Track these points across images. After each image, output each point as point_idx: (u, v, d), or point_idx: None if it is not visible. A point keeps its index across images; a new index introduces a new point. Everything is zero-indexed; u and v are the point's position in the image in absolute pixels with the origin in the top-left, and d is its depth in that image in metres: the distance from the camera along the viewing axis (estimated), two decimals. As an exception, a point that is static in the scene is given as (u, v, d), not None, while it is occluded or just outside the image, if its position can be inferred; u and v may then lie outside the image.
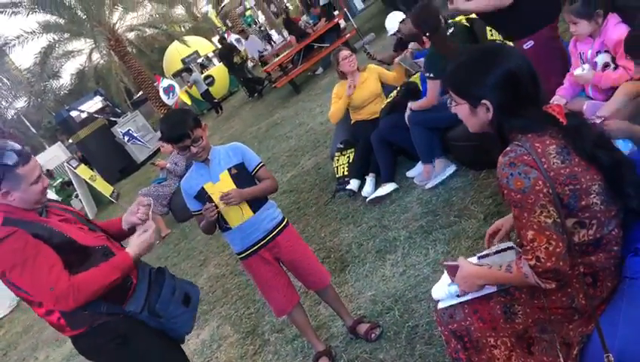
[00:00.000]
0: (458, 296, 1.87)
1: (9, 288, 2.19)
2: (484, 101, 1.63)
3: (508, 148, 1.58)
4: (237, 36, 19.68)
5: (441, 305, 1.91)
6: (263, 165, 2.87)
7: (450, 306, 1.87)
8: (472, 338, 1.84)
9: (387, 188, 4.47)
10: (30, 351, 6.50)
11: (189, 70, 18.69)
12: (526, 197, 1.52)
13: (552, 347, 1.67)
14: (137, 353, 2.33)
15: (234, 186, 2.73)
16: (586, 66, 2.93)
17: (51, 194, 13.51)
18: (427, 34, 3.94)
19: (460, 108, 1.72)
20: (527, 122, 1.60)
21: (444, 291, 1.90)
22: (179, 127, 2.64)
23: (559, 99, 3.11)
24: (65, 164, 14.55)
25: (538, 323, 1.70)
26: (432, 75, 3.98)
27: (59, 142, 21.15)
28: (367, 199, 4.52)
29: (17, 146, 2.25)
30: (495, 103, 1.62)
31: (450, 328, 1.88)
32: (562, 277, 1.54)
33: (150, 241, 2.35)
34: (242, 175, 2.78)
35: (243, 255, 2.87)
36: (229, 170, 2.76)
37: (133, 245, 2.33)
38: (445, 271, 1.94)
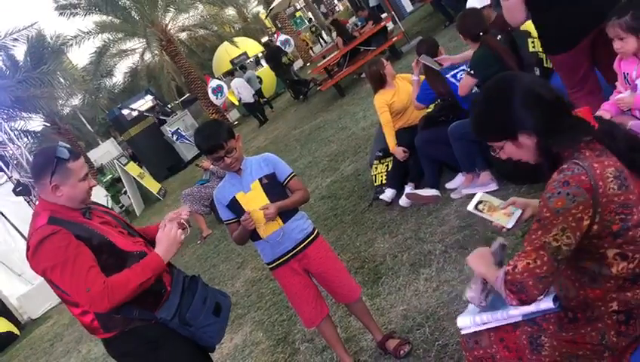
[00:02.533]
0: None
1: (49, 285, 2.26)
2: (522, 131, 1.58)
3: (565, 166, 1.51)
4: (286, 37, 19.86)
5: (464, 331, 1.85)
6: (294, 176, 2.86)
7: (475, 332, 1.81)
8: (497, 366, 1.78)
9: (429, 191, 4.42)
10: (74, 344, 6.73)
11: (243, 68, 18.87)
12: (555, 218, 1.46)
13: (580, 384, 1.59)
14: (167, 359, 2.37)
15: (264, 195, 2.74)
16: (628, 92, 2.80)
17: (101, 190, 13.97)
18: (479, 33, 3.91)
19: (506, 149, 1.66)
20: (570, 132, 1.54)
21: (469, 320, 1.84)
22: (213, 139, 2.67)
23: (604, 113, 2.98)
24: (115, 161, 15.01)
25: (565, 358, 1.63)
26: (472, 73, 3.94)
27: (111, 138, 21.82)
28: (405, 192, 4.49)
29: (67, 145, 2.35)
30: (532, 126, 1.56)
31: (474, 354, 1.83)
32: (527, 298, 1.51)
33: (176, 240, 2.37)
34: (273, 185, 2.79)
35: (273, 265, 2.87)
36: (260, 180, 2.77)
37: (160, 245, 2.36)
38: (470, 298, 1.86)
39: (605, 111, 2.97)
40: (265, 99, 17.20)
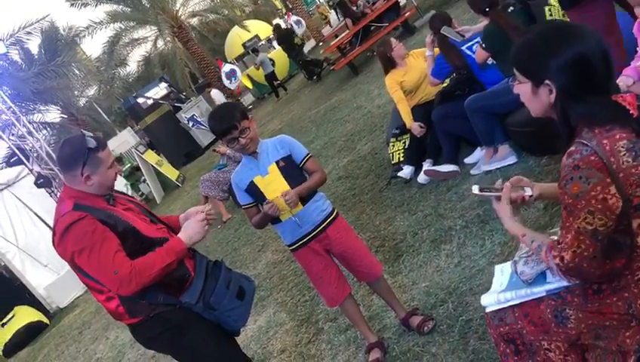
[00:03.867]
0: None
1: (75, 272, 2.30)
2: (547, 82, 1.53)
3: (572, 148, 1.48)
4: (297, 17, 19.70)
5: (489, 309, 1.84)
6: (310, 157, 2.85)
7: (499, 309, 1.80)
8: (524, 340, 1.77)
9: (448, 167, 4.39)
10: (102, 331, 6.86)
11: (255, 51, 18.81)
12: (577, 202, 1.45)
13: (607, 354, 1.58)
14: (193, 343, 2.40)
15: (282, 178, 2.74)
16: None
17: (120, 179, 14.12)
18: (487, 9, 3.85)
19: (522, 88, 1.62)
20: (592, 109, 1.49)
21: (493, 298, 1.83)
22: (225, 120, 2.67)
23: (626, 79, 2.91)
24: (133, 149, 15.12)
25: (592, 329, 1.61)
26: (484, 46, 3.92)
27: (128, 128, 21.96)
28: (424, 169, 4.48)
29: (91, 134, 2.41)
30: (559, 86, 1.51)
31: (500, 331, 1.82)
32: (587, 277, 1.52)
33: (202, 228, 2.41)
34: (290, 167, 2.78)
35: (293, 247, 2.88)
36: (277, 162, 2.77)
37: (185, 231, 2.41)
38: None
39: (627, 76, 2.91)
40: (278, 82, 17.14)
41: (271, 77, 16.75)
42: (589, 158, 1.44)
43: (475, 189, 1.91)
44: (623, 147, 1.43)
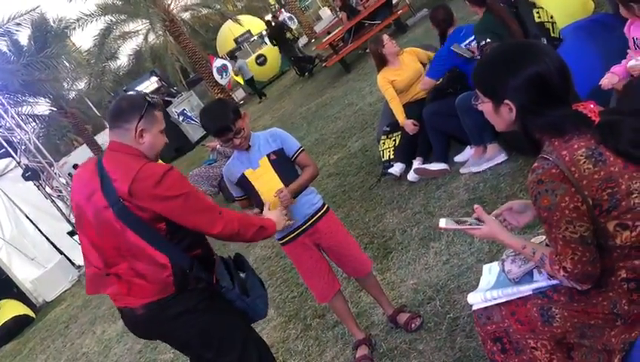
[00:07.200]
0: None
1: (125, 244, 2.16)
2: (506, 101, 1.57)
3: (535, 164, 1.52)
4: (289, 14, 19.65)
5: (475, 307, 1.85)
6: (302, 150, 2.84)
7: (486, 308, 1.81)
8: (511, 339, 1.78)
9: (437, 165, 4.39)
10: (89, 325, 6.81)
11: (234, 57, 18.81)
12: (552, 214, 1.48)
13: (592, 353, 1.59)
14: (224, 321, 2.34)
15: (273, 172, 2.73)
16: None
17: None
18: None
19: (485, 107, 1.67)
20: (552, 120, 1.52)
21: (480, 296, 1.83)
22: (220, 121, 2.65)
23: (611, 76, 2.92)
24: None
25: (577, 328, 1.63)
26: (477, 39, 3.87)
27: (118, 122, 21.76)
28: (414, 167, 4.48)
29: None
30: (518, 105, 1.56)
31: (487, 329, 1.82)
32: (595, 279, 1.53)
33: (285, 219, 2.56)
34: (281, 160, 2.77)
35: (284, 241, 2.88)
36: (268, 155, 2.76)
37: (272, 216, 2.53)
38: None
39: (613, 74, 2.92)
40: (258, 89, 17.10)
41: (250, 82, 16.80)
42: (550, 171, 1.47)
43: (443, 223, 1.84)
44: (582, 155, 1.46)
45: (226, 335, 2.34)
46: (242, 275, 2.43)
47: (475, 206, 1.84)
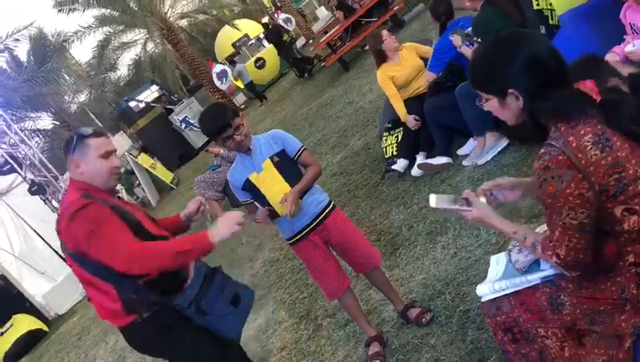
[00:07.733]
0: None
1: (76, 270, 2.29)
2: (510, 90, 1.57)
3: (542, 150, 1.52)
4: (286, 15, 19.64)
5: (484, 299, 1.85)
6: (304, 149, 2.85)
7: (495, 299, 1.81)
8: (521, 329, 1.79)
9: (440, 159, 4.39)
10: (101, 336, 6.84)
11: (233, 62, 18.82)
12: (556, 201, 1.49)
13: (604, 339, 1.59)
14: (185, 347, 2.36)
15: (277, 174, 2.74)
16: (637, 42, 2.73)
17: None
18: None
19: (491, 104, 1.67)
20: (559, 104, 1.52)
21: (488, 288, 1.84)
22: (219, 119, 2.67)
23: (614, 55, 2.91)
24: (126, 153, 15.07)
25: (587, 315, 1.63)
26: (479, 41, 3.80)
27: (121, 132, 21.85)
28: (417, 163, 4.48)
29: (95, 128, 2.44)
30: (522, 89, 1.56)
31: (497, 320, 1.83)
32: (586, 267, 1.56)
33: (233, 220, 2.36)
34: (284, 162, 2.79)
35: (293, 240, 2.89)
36: (271, 158, 2.77)
37: (216, 226, 2.33)
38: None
39: (614, 53, 2.90)
40: (261, 91, 17.12)
41: (250, 86, 16.81)
42: (557, 158, 1.48)
43: (433, 202, 1.84)
44: (588, 141, 1.46)
45: (194, 358, 2.38)
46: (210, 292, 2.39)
47: (465, 190, 1.85)
